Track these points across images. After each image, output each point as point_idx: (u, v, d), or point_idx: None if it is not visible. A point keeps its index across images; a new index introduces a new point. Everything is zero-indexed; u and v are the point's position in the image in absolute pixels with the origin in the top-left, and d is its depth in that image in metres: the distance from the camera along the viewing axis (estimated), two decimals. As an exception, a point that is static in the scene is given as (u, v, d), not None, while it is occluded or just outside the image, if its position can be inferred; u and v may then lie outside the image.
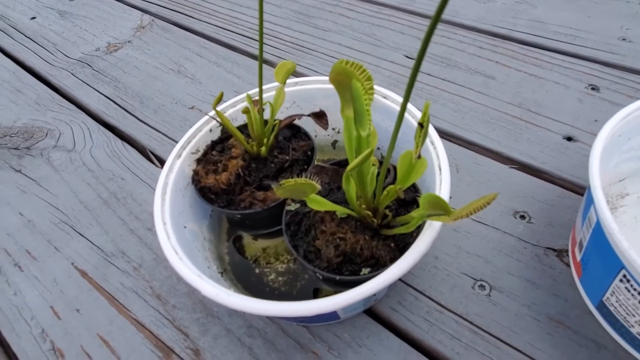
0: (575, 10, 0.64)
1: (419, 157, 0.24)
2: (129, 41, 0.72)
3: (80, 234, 0.44)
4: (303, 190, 0.26)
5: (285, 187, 0.25)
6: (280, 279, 0.37)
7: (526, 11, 0.65)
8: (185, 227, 0.33)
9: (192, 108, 0.57)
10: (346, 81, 0.24)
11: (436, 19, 0.17)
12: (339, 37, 0.66)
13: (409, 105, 0.36)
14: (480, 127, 0.49)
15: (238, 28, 0.71)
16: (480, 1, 0.69)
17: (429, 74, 0.57)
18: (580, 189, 0.41)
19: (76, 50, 0.71)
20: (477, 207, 0.22)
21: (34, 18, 0.81)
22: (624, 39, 0.57)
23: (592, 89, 0.51)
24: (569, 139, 0.46)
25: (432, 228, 0.27)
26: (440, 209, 0.22)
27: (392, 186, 0.28)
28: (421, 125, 0.22)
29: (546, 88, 0.52)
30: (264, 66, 0.62)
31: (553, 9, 0.65)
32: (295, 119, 0.35)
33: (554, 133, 0.47)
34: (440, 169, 0.31)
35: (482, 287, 0.36)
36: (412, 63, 0.59)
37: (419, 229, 0.29)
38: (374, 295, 0.27)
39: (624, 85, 0.51)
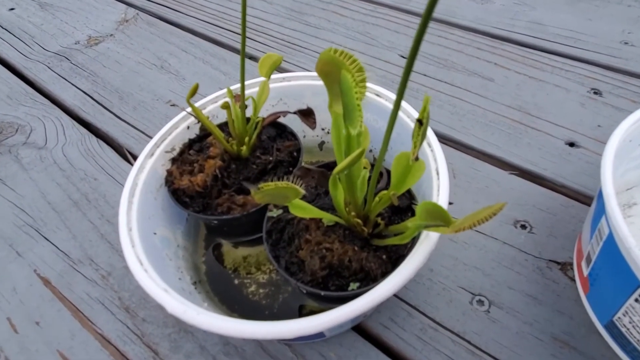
0: (575, 13, 0.62)
1: (417, 159, 0.21)
2: (112, 35, 0.68)
3: (45, 238, 0.41)
4: (285, 195, 0.23)
5: (265, 192, 0.22)
6: (261, 291, 0.34)
7: (525, 13, 0.63)
8: (155, 233, 0.30)
9: (171, 104, 0.54)
10: (335, 72, 0.21)
11: (427, 15, 0.14)
12: (332, 35, 0.63)
13: (404, 104, 0.33)
14: (478, 130, 0.46)
15: (226, 23, 0.68)
16: (478, 2, 0.67)
17: (425, 75, 0.54)
18: (584, 198, 0.39)
19: (55, 43, 0.67)
20: (481, 218, 0.19)
21: (12, 9, 0.78)
22: (626, 43, 0.55)
23: (595, 93, 0.49)
24: (571, 144, 0.44)
25: (428, 240, 0.24)
26: (439, 219, 0.19)
27: (385, 192, 0.25)
28: (420, 122, 0.19)
29: (547, 91, 0.50)
30: (252, 63, 0.59)
31: (553, 11, 0.63)
32: (279, 117, 0.32)
33: (555, 138, 0.45)
34: (438, 174, 0.28)
35: (480, 302, 0.33)
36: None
37: (414, 239, 0.26)
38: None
39: (627, 89, 0.49)
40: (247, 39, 0.64)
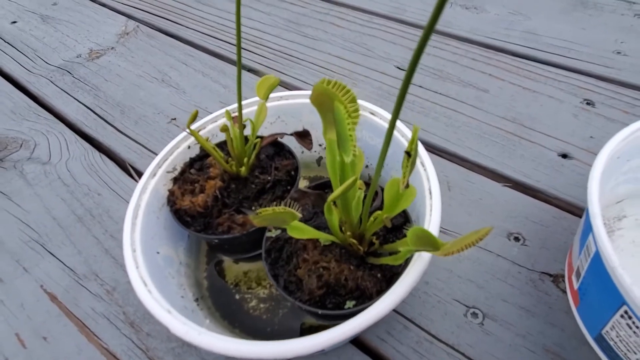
0: (569, 22, 0.63)
1: (407, 186, 0.22)
2: (112, 48, 0.69)
3: (51, 254, 0.42)
4: (282, 219, 0.24)
5: (263, 216, 0.23)
6: (261, 305, 0.35)
7: (520, 22, 0.64)
8: (158, 252, 0.31)
9: (174, 120, 0.55)
10: (328, 103, 0.22)
11: (429, 30, 0.15)
12: (329, 47, 0.64)
13: (399, 123, 0.34)
14: (472, 142, 0.47)
15: (225, 36, 0.69)
16: (473, 12, 0.68)
17: (420, 86, 0.55)
18: (576, 209, 0.40)
19: (57, 56, 0.69)
20: (469, 243, 0.20)
21: (14, 22, 0.79)
22: (618, 52, 0.56)
23: (587, 103, 0.50)
24: (564, 156, 0.45)
25: (421, 259, 0.25)
26: (429, 245, 0.20)
27: (379, 213, 0.26)
28: (409, 154, 0.20)
29: (540, 102, 0.51)
30: (250, 75, 0.60)
31: (547, 20, 0.64)
32: (277, 138, 0.33)
33: (548, 150, 0.46)
34: (430, 193, 0.29)
35: (474, 315, 0.34)
36: (403, 74, 0.58)
37: (408, 258, 0.27)
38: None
39: (620, 100, 0.50)
40: (244, 51, 0.65)
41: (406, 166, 0.21)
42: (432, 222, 0.26)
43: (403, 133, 0.33)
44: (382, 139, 0.36)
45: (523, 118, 0.49)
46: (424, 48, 0.15)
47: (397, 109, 0.19)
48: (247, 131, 0.35)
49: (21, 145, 0.54)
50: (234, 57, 0.65)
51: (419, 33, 0.64)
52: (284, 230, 0.30)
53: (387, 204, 0.24)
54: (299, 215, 0.24)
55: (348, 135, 0.21)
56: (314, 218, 0.31)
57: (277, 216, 0.24)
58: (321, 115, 0.23)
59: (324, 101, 0.22)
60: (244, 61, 0.63)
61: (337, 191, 0.21)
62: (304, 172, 0.42)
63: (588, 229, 0.28)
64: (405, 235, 0.30)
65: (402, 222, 0.31)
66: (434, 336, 0.33)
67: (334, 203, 0.26)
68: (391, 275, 0.28)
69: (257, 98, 0.37)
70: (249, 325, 0.33)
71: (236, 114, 0.33)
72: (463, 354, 0.32)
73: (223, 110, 0.38)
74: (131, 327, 0.36)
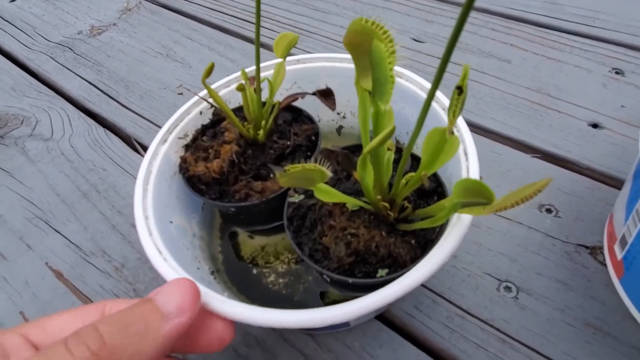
0: (592, -9, 0.60)
1: (452, 133, 0.20)
2: (114, 24, 0.67)
3: (56, 231, 0.40)
4: (311, 178, 0.22)
5: (291, 174, 0.21)
6: (280, 280, 0.33)
7: (540, -7, 0.61)
8: (171, 222, 0.29)
9: (180, 93, 0.52)
10: (366, 43, 0.20)
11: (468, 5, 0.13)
12: (341, 20, 0.62)
13: (424, 83, 0.32)
14: (497, 113, 0.45)
15: (231, 10, 0.67)
16: (491, -18, 0.65)
17: (439, 58, 0.52)
18: (611, 180, 0.38)
19: (57, 33, 0.66)
20: (525, 196, 0.18)
21: (13, 1, 0.76)
22: (646, 21, 0.53)
23: (617, 72, 0.47)
24: (595, 125, 0.42)
25: (461, 222, 0.23)
26: (481, 196, 0.18)
27: (412, 174, 0.24)
28: (460, 89, 0.18)
29: (566, 72, 0.48)
30: (261, 50, 0.58)
31: (568, -10, 0.61)
32: (297, 98, 0.31)
33: (577, 119, 0.43)
34: (466, 155, 0.27)
35: (508, 288, 0.32)
36: (420, 46, 0.55)
37: (443, 223, 0.25)
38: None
39: (651, 69, 0.47)
40: (252, 25, 0.62)
41: (456, 105, 0.19)
42: (473, 182, 0.24)
43: (437, 98, 0.31)
44: (408, 104, 0.34)
45: (549, 88, 0.47)
46: (464, 21, 0.14)
47: (442, 66, 0.17)
48: (264, 96, 0.32)
49: (22, 122, 0.52)
50: (241, 31, 0.62)
51: (435, 4, 0.62)
52: (307, 195, 0.28)
53: (425, 159, 0.22)
54: (330, 173, 0.22)
55: (388, 76, 0.19)
56: (338, 184, 0.29)
57: (306, 174, 0.21)
58: (355, 59, 0.21)
59: (360, 42, 0.20)
60: (251, 35, 0.60)
61: (374, 141, 0.19)
62: (322, 143, 0.40)
63: (638, 193, 0.26)
64: (438, 199, 0.28)
65: (433, 188, 0.29)
66: (465, 311, 0.31)
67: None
68: (425, 242, 0.26)
69: (274, 60, 0.35)
70: (268, 299, 0.31)
71: (253, 74, 0.31)
72: (498, 329, 0.30)
73: (236, 74, 0.35)
74: (142, 305, 0.34)
